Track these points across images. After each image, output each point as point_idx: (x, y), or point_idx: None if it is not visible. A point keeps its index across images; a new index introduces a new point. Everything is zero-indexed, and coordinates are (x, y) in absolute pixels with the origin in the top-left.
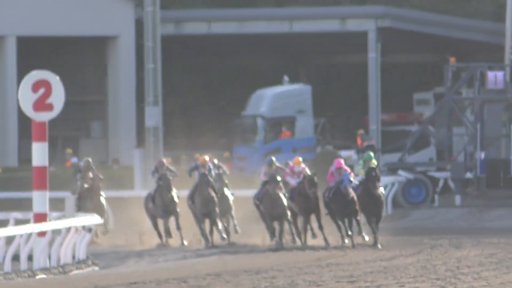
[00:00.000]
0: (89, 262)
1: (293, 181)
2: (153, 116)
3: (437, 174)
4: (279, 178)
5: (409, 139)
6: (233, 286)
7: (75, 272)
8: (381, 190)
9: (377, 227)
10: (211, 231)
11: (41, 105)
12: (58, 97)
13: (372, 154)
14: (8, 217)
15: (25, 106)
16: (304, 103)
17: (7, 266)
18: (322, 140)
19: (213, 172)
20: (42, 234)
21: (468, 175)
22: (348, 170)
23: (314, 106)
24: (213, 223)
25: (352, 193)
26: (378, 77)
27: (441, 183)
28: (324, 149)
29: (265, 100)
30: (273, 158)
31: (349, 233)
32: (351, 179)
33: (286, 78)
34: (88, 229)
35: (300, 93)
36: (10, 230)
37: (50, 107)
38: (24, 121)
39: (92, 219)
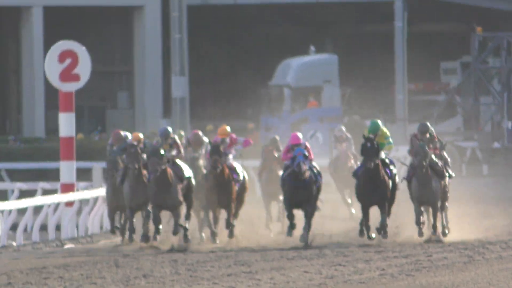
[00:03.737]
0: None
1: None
2: (180, 86)
3: (464, 144)
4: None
5: (435, 108)
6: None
7: (103, 242)
8: (390, 167)
9: (384, 214)
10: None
11: (67, 75)
12: (84, 67)
13: (379, 121)
14: (36, 187)
15: (51, 77)
16: (331, 73)
17: (35, 235)
18: (349, 109)
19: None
20: (69, 204)
21: (495, 144)
22: (308, 145)
23: (340, 76)
24: (147, 218)
25: (308, 173)
26: (405, 46)
27: (468, 153)
28: (351, 118)
29: (292, 70)
30: (169, 128)
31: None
32: (306, 154)
33: (312, 48)
34: None
35: (327, 62)
36: (38, 200)
37: (76, 78)
38: (51, 92)
39: None
